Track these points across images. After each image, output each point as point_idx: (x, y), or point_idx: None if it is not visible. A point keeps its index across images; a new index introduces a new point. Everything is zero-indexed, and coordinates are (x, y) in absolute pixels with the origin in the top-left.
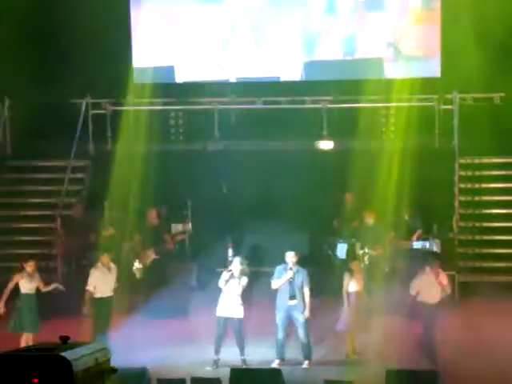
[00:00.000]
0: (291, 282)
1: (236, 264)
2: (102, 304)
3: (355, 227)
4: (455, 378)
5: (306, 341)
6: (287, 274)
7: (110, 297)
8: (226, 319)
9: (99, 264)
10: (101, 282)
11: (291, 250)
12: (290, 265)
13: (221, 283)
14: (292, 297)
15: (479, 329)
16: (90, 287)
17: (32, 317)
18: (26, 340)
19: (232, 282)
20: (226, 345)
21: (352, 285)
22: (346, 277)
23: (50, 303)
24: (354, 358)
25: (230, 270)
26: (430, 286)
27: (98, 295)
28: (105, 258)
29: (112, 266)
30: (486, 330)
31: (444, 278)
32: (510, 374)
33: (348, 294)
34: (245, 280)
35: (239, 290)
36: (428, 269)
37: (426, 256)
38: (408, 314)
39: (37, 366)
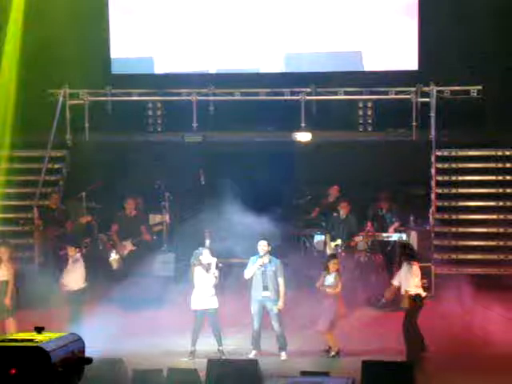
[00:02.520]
0: (264, 272)
1: (207, 257)
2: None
3: (332, 219)
4: (431, 368)
5: (280, 332)
6: (257, 262)
7: (78, 290)
8: (203, 311)
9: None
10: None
11: (263, 239)
12: (261, 253)
13: (197, 279)
14: (265, 287)
15: (455, 320)
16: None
17: (2, 303)
18: (7, 326)
19: (205, 275)
20: (202, 336)
21: (328, 282)
22: (323, 275)
23: (26, 293)
24: (333, 354)
25: (207, 264)
26: (410, 279)
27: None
28: (71, 249)
29: (78, 257)
30: (461, 321)
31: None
32: (486, 361)
33: (326, 292)
34: (215, 269)
35: (213, 282)
36: (407, 263)
37: (403, 250)
38: (386, 305)
39: (14, 356)
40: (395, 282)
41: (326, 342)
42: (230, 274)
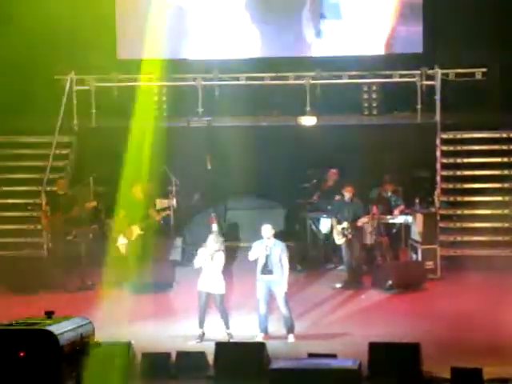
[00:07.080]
0: (269, 256)
1: (211, 243)
2: None
3: (337, 202)
4: (438, 348)
5: (287, 314)
6: (262, 245)
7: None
8: (208, 294)
9: None
10: None
11: (267, 223)
12: (266, 237)
13: (198, 262)
14: (269, 271)
15: (461, 301)
16: None
17: None
18: None
19: (209, 260)
20: (211, 319)
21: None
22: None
23: (37, 278)
24: None
25: (213, 250)
26: None
27: None
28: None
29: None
30: (467, 302)
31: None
32: (491, 343)
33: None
34: (221, 255)
35: (219, 267)
36: None
37: None
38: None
39: (23, 339)
40: None
41: None
42: (236, 258)
